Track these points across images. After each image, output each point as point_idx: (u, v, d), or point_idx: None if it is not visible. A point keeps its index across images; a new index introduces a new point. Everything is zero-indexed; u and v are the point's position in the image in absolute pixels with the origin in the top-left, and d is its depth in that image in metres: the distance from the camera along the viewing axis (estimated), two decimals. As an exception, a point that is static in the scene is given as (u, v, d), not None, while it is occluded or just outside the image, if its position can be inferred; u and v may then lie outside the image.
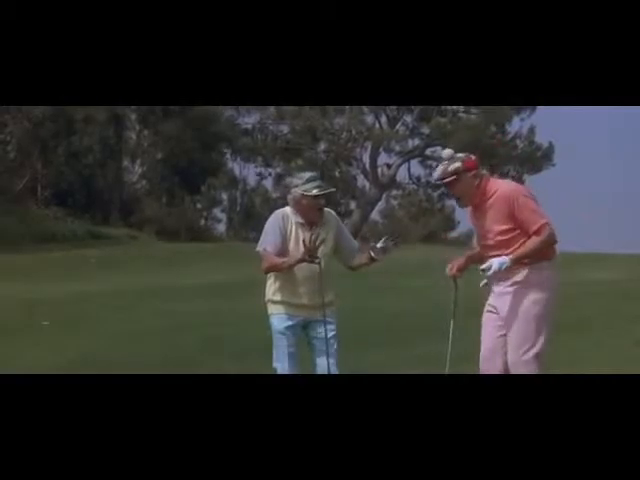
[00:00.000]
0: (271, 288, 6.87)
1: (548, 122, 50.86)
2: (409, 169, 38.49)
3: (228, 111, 36.63)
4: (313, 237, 6.65)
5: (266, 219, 6.92)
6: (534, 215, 6.34)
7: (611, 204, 53.27)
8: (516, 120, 37.32)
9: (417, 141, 37.99)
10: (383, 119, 37.84)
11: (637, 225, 48.20)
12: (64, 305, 15.60)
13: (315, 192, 6.74)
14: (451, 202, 33.75)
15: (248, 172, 38.77)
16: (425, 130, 37.81)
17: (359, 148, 38.24)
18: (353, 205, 39.23)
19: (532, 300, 6.34)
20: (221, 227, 37.15)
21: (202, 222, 35.04)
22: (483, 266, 6.35)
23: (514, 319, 6.36)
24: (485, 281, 6.48)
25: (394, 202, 41.35)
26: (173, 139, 33.69)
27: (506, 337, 6.40)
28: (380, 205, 39.91)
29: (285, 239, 6.77)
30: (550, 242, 6.40)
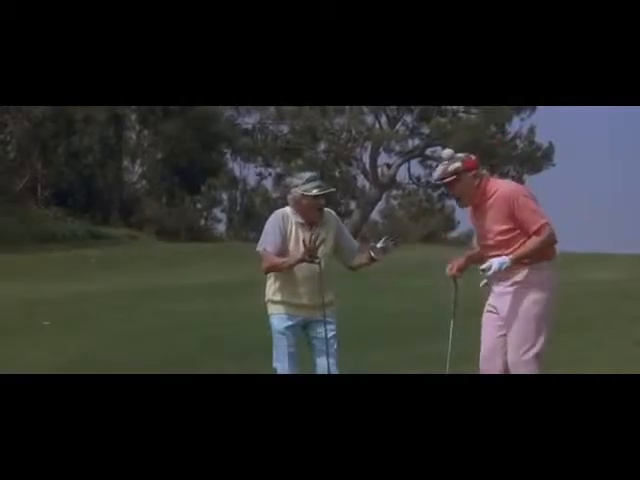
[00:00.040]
0: (271, 288, 6.87)
1: (548, 122, 50.90)
2: (409, 169, 38.55)
3: (228, 111, 36.63)
4: (313, 237, 6.65)
5: (266, 219, 6.92)
6: (534, 215, 6.34)
7: (611, 204, 53.31)
8: (516, 120, 37.38)
9: (417, 141, 38.04)
10: (383, 119, 37.84)
11: (637, 225, 48.23)
12: (64, 305, 15.60)
13: (315, 192, 6.74)
14: (451, 202, 33.76)
15: (248, 172, 38.84)
16: (425, 130, 37.82)
17: (359, 148, 38.27)
18: (353, 205, 39.26)
19: (532, 300, 6.34)
20: (221, 227, 37.21)
21: (202, 222, 35.04)
22: (483, 266, 6.35)
23: (514, 319, 6.36)
24: (485, 281, 6.48)
25: (394, 202, 41.39)
26: (173, 139, 33.70)
27: (506, 337, 6.40)
28: (380, 205, 39.97)
29: (285, 239, 6.77)
30: (550, 242, 6.40)
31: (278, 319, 6.82)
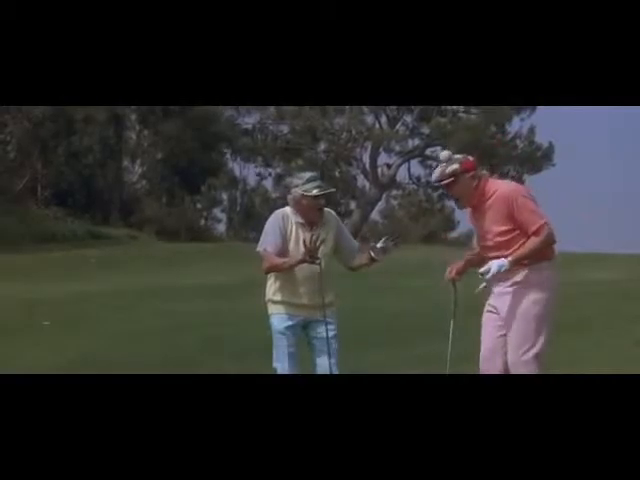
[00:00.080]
0: (271, 288, 6.87)
1: (548, 122, 50.90)
2: (409, 169, 38.55)
3: (228, 111, 36.63)
4: (314, 238, 6.65)
5: (266, 219, 6.92)
6: (533, 216, 6.33)
7: (611, 204, 53.32)
8: (516, 120, 37.37)
9: (417, 141, 38.03)
10: (383, 119, 37.84)
11: (637, 225, 48.25)
12: (64, 305, 15.60)
13: (315, 192, 6.74)
14: (451, 202, 33.67)
15: (248, 172, 38.84)
16: (425, 130, 37.82)
17: (359, 148, 38.26)
18: (353, 205, 39.25)
19: (532, 300, 6.34)
20: (221, 227, 37.21)
21: (202, 222, 35.04)
22: (481, 269, 6.35)
23: (514, 319, 6.35)
24: (482, 285, 6.46)
25: (394, 202, 41.40)
26: (173, 139, 33.69)
27: (506, 337, 6.40)
28: (380, 205, 39.98)
29: (285, 239, 6.77)
30: (549, 242, 6.40)
31: (278, 319, 6.82)
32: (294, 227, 6.78)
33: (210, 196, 35.14)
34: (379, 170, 38.03)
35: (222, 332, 12.71)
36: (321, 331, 6.76)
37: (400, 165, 38.07)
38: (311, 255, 6.62)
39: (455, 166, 6.41)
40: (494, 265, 6.28)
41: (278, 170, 38.25)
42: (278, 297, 6.82)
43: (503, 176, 31.56)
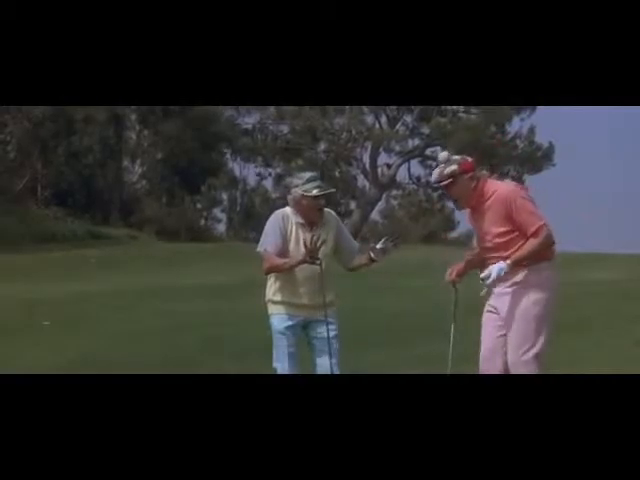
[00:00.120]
0: (271, 288, 6.87)
1: (548, 122, 50.90)
2: (409, 169, 38.56)
3: (228, 111, 36.64)
4: (314, 238, 6.64)
5: (266, 219, 6.91)
6: (532, 217, 6.33)
7: (611, 204, 53.33)
8: (516, 120, 37.38)
9: (417, 141, 38.05)
10: (383, 119, 37.85)
11: (637, 225, 48.25)
12: (64, 305, 15.60)
13: (315, 192, 6.73)
14: (451, 202, 33.72)
15: (248, 172, 38.85)
16: (425, 130, 37.84)
17: (359, 148, 38.27)
18: (353, 205, 39.26)
19: (532, 300, 6.34)
20: (221, 227, 37.22)
21: (202, 222, 35.04)
22: (482, 275, 6.35)
23: (514, 319, 6.35)
24: (485, 291, 6.45)
25: (394, 202, 41.41)
26: (173, 139, 33.69)
27: (506, 337, 6.40)
28: (380, 205, 39.98)
29: (285, 239, 6.77)
30: (548, 243, 6.40)
31: (278, 319, 6.82)
32: (294, 227, 6.78)
33: (210, 196, 35.15)
34: (379, 170, 38.06)
35: (222, 332, 12.71)
36: (322, 331, 6.76)
37: (400, 165, 38.10)
38: (311, 256, 6.62)
39: (453, 167, 6.41)
40: (494, 270, 6.29)
41: (278, 170, 38.29)
42: (278, 297, 6.82)
43: (503, 176, 31.56)
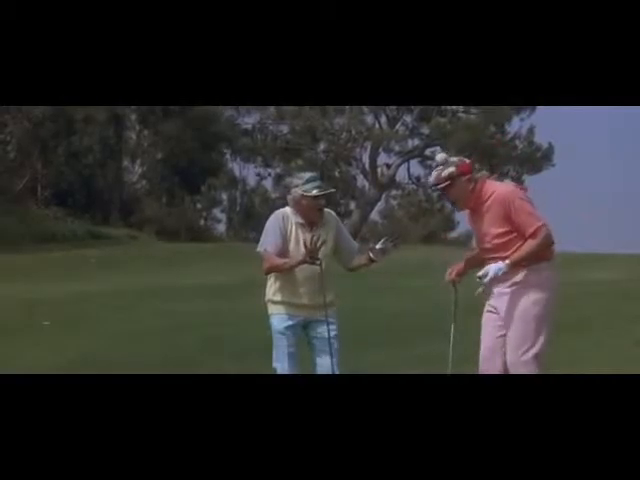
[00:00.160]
0: (271, 288, 6.87)
1: (548, 122, 50.88)
2: (409, 169, 38.55)
3: (228, 111, 36.65)
4: (314, 238, 6.64)
5: (266, 219, 6.91)
6: (530, 218, 6.33)
7: (611, 204, 53.35)
8: (516, 120, 37.35)
9: (417, 141, 38.05)
10: (383, 119, 37.84)
11: (637, 225, 48.27)
12: (64, 305, 15.59)
13: (315, 192, 6.74)
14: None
15: (248, 172, 38.87)
16: (425, 130, 37.83)
17: (359, 148, 38.27)
18: (353, 205, 39.26)
19: (532, 300, 6.34)
20: (221, 227, 37.25)
21: (202, 222, 35.07)
22: (480, 273, 6.35)
23: (513, 319, 6.35)
24: (481, 289, 6.45)
25: (394, 202, 41.41)
26: (173, 139, 33.70)
27: (506, 337, 6.40)
28: (380, 205, 39.99)
29: (285, 239, 6.77)
30: (546, 244, 6.39)
31: (278, 319, 6.82)
32: (294, 227, 6.78)
33: (210, 196, 35.16)
34: (379, 170, 38.05)
35: (222, 332, 12.71)
36: (322, 331, 6.76)
37: (400, 165, 38.10)
38: (311, 256, 6.62)
39: (451, 169, 6.41)
40: (492, 269, 6.29)
41: (278, 170, 38.28)
42: (278, 297, 6.82)
43: (503, 176, 31.61)
